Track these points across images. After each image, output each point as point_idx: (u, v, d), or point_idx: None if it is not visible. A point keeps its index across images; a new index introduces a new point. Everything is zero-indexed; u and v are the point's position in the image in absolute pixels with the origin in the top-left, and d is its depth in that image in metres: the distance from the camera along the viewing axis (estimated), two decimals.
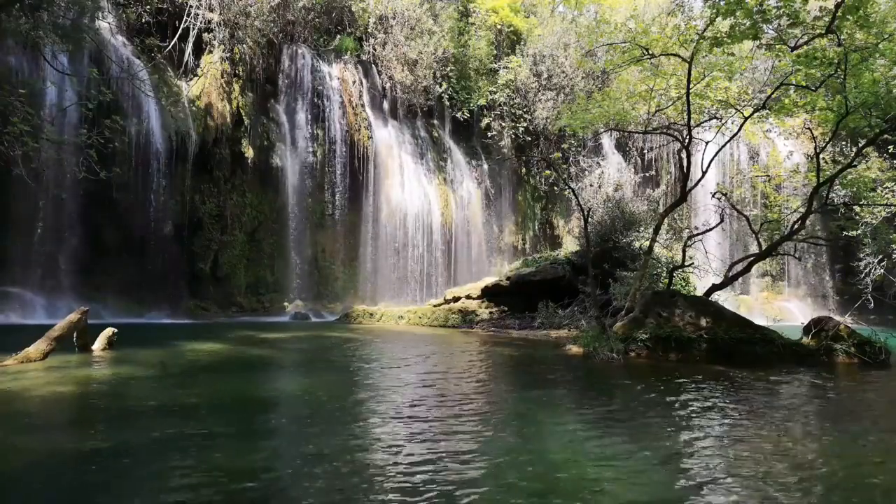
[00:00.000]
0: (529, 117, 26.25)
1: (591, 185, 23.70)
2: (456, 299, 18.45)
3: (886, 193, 16.47)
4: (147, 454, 4.12)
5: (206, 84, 19.92)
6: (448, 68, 25.35)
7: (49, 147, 13.95)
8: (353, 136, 22.79)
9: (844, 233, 18.81)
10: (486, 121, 26.31)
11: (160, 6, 19.39)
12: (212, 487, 3.48)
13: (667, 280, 13.65)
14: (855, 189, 14.80)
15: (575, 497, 3.45)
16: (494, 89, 26.14)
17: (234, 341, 11.48)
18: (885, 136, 13.47)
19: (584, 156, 25.99)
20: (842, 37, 10.24)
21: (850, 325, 10.80)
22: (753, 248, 16.20)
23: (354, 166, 22.72)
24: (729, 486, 3.67)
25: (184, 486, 3.47)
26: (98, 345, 9.03)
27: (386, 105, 24.78)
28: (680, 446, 4.56)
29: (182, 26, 19.44)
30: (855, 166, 13.32)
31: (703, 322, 10.20)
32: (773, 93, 12.35)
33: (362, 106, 23.56)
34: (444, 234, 24.29)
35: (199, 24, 19.75)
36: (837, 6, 9.88)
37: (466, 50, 26.34)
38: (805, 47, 10.89)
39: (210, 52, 20.29)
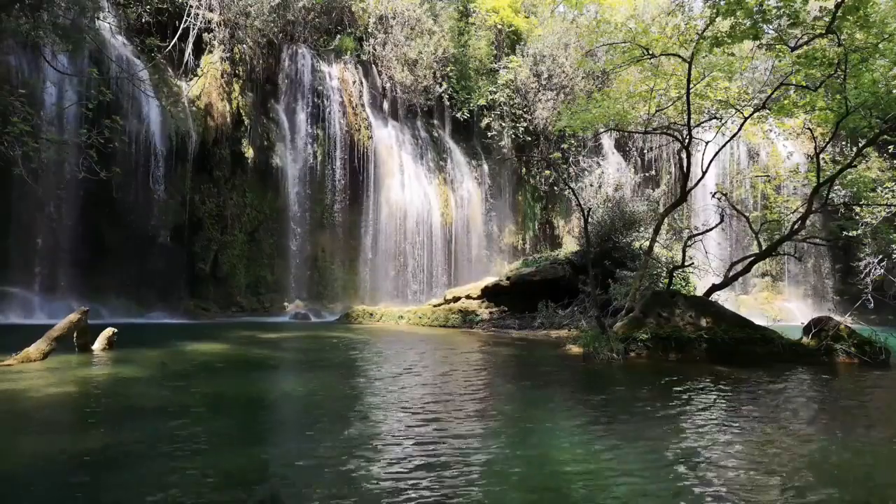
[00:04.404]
0: (529, 117, 26.25)
1: (591, 185, 23.70)
2: (456, 299, 18.45)
3: (886, 193, 16.46)
4: (147, 454, 4.12)
5: (206, 84, 19.92)
6: (448, 68, 25.35)
7: (49, 147, 13.93)
8: (353, 136, 22.79)
9: (844, 233, 18.81)
10: (486, 121, 26.30)
11: (160, 6, 19.39)
12: (212, 488, 3.48)
13: (667, 280, 13.65)
14: (855, 189, 14.80)
15: (575, 497, 3.45)
16: (494, 89, 26.14)
17: (234, 341, 11.48)
18: (885, 136, 13.46)
19: (584, 156, 25.99)
20: (842, 37, 10.23)
21: (850, 325, 10.78)
22: (753, 249, 16.20)
23: (354, 166, 22.72)
24: (729, 487, 3.67)
25: (184, 487, 3.47)
26: (98, 345, 9.03)
27: (386, 105, 24.78)
28: (680, 446, 4.56)
29: (182, 26, 19.43)
30: (855, 166, 13.32)
31: (703, 322, 10.20)
32: (773, 93, 12.36)
33: (362, 106, 23.55)
34: (444, 234, 24.30)
35: (199, 24, 19.75)
36: (837, 6, 9.88)
37: (466, 50, 26.34)
38: (805, 47, 10.89)
39: (210, 52, 20.29)
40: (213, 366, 8.52)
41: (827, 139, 14.22)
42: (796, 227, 12.57)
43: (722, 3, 10.18)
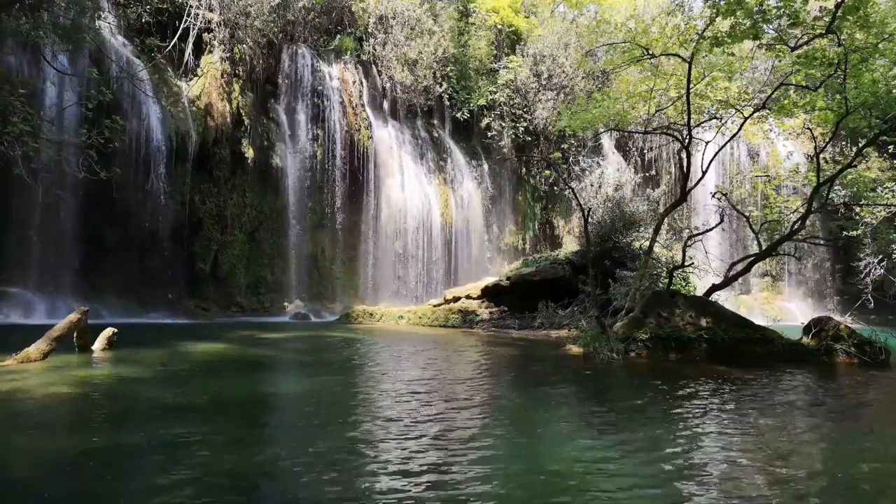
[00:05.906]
0: (529, 117, 26.24)
1: (591, 185, 23.66)
2: (456, 299, 18.45)
3: (886, 193, 16.47)
4: (147, 455, 4.12)
5: (206, 84, 19.91)
6: (448, 68, 25.34)
7: (49, 147, 13.93)
8: (353, 136, 22.78)
9: (844, 233, 18.82)
10: (486, 121, 26.29)
11: (160, 6, 19.38)
12: (212, 488, 3.48)
13: (667, 280, 13.65)
14: (855, 189, 14.80)
15: (575, 498, 3.45)
16: (494, 89, 26.13)
17: (234, 341, 11.48)
18: (885, 136, 13.47)
19: (584, 156, 25.97)
20: (842, 37, 10.24)
21: (850, 325, 10.78)
22: (753, 248, 16.20)
23: (354, 166, 22.72)
24: (729, 488, 3.67)
25: (184, 487, 3.47)
26: (98, 345, 9.03)
27: (386, 105, 24.78)
28: (680, 447, 4.56)
29: (182, 26, 19.43)
30: (855, 166, 13.32)
31: (703, 322, 10.20)
32: (773, 93, 12.37)
33: (362, 106, 23.55)
34: (444, 234, 24.29)
35: (199, 24, 19.74)
36: (837, 6, 9.88)
37: (466, 50, 26.33)
38: (805, 47, 10.89)
39: (210, 52, 20.28)
40: (213, 366, 8.52)
41: (827, 139, 14.22)
42: (796, 227, 12.57)
43: (722, 3, 10.18)
